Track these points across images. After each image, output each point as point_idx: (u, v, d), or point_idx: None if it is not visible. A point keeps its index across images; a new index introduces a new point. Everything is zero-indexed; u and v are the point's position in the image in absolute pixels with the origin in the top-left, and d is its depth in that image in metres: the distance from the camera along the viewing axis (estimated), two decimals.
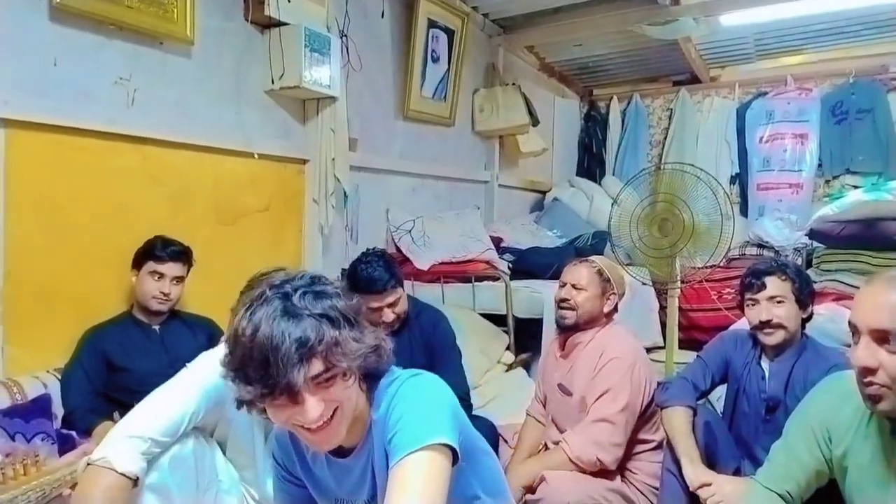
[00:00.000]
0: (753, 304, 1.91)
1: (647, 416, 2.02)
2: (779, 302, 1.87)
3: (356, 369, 1.02)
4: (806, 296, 1.90)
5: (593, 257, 2.23)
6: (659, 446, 2.03)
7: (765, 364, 1.94)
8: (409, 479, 0.96)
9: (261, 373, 0.94)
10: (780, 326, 1.87)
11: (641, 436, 2.02)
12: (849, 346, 2.69)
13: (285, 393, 0.95)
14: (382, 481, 1.06)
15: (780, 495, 1.39)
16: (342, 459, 1.14)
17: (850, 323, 1.19)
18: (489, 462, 1.25)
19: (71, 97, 2.15)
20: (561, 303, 2.10)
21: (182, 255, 2.24)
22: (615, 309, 2.14)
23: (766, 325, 1.87)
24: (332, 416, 1.00)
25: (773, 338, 1.88)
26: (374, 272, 2.17)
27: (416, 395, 1.05)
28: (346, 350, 0.98)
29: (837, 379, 1.43)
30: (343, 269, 2.80)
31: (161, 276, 2.18)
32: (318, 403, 0.98)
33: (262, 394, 0.95)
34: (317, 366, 0.96)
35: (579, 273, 2.10)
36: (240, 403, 0.99)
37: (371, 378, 1.08)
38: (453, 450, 1.01)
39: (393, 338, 2.29)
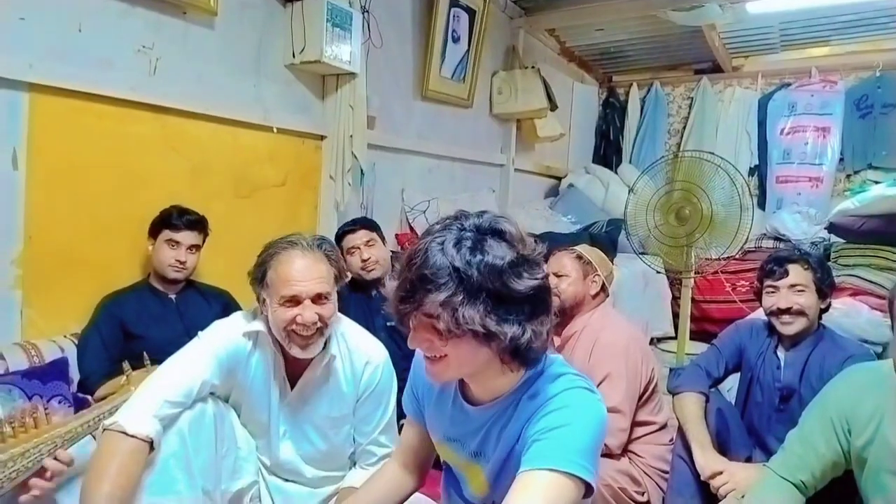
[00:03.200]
0: (773, 292, 1.89)
1: (647, 396, 2.01)
2: (799, 291, 1.85)
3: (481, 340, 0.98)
4: (827, 286, 1.89)
5: (575, 246, 2.28)
6: (662, 428, 2.03)
7: (780, 353, 1.92)
8: (537, 492, 0.95)
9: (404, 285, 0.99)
10: (800, 313, 1.84)
11: (644, 417, 2.01)
12: (865, 341, 2.70)
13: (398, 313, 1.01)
14: (502, 446, 1.09)
15: (794, 484, 1.38)
16: (469, 406, 1.15)
17: None
18: None
19: (94, 63, 2.15)
20: None
21: (197, 223, 2.26)
22: (603, 289, 2.18)
23: (785, 312, 1.85)
24: (439, 359, 1.03)
25: (791, 326, 1.86)
26: (349, 223, 2.61)
27: (579, 414, 1.02)
28: (458, 318, 0.96)
29: (858, 370, 1.42)
30: None
31: (177, 244, 2.20)
32: (417, 339, 1.02)
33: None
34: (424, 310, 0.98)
35: (560, 262, 2.17)
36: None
37: (519, 358, 1.03)
38: (588, 487, 0.99)
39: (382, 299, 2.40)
